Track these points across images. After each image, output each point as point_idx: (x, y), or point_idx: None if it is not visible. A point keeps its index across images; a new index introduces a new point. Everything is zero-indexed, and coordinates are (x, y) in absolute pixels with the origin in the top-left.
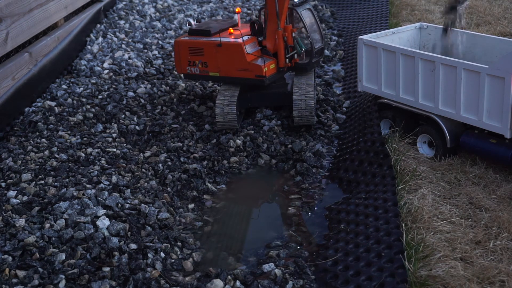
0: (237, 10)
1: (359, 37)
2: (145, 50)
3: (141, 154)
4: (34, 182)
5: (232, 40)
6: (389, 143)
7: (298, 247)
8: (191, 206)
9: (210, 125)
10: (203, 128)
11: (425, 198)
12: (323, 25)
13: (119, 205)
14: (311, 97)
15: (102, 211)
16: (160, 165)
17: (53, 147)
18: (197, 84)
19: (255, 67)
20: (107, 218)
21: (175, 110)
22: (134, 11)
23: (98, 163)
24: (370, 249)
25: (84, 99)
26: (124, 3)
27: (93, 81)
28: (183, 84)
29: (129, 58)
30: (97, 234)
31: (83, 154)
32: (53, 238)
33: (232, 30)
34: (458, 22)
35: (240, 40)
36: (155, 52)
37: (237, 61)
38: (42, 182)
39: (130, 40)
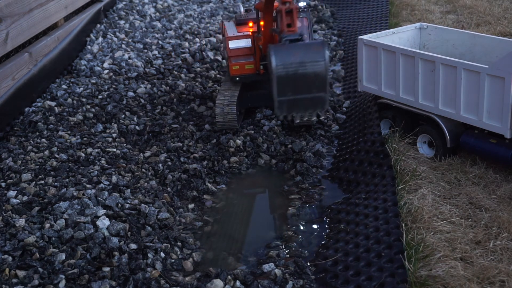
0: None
1: (359, 37)
2: (145, 50)
3: (141, 154)
4: (34, 182)
5: (227, 32)
6: (389, 143)
7: (297, 248)
8: (191, 206)
9: (210, 125)
10: (203, 128)
11: (425, 198)
12: (323, 25)
13: (119, 205)
14: None
15: (102, 211)
16: (160, 165)
17: (53, 147)
18: (197, 84)
19: (229, 63)
20: (107, 218)
21: (175, 110)
22: (134, 11)
23: (98, 163)
24: (370, 249)
25: (84, 99)
26: (124, 3)
27: (93, 81)
28: (183, 84)
29: (129, 58)
30: (97, 234)
31: (83, 154)
32: (53, 238)
33: (251, 24)
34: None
35: (228, 34)
36: (155, 52)
37: (227, 53)
38: (42, 182)
39: (130, 40)
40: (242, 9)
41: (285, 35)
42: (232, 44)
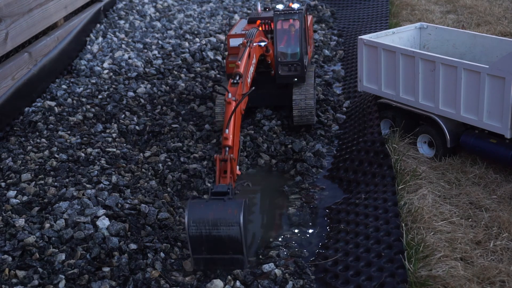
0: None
1: (359, 37)
2: (145, 50)
3: (141, 154)
4: (34, 182)
5: (232, 30)
6: (389, 143)
7: (297, 248)
8: None
9: (210, 125)
10: (203, 128)
11: (425, 198)
12: (323, 25)
13: (119, 205)
14: (311, 96)
15: (102, 211)
16: (160, 165)
17: (53, 147)
18: (197, 84)
19: (226, 60)
20: (107, 218)
21: (175, 110)
22: (134, 11)
23: (98, 163)
24: (370, 249)
25: (84, 99)
26: (124, 3)
27: (93, 81)
28: (183, 84)
29: (129, 58)
30: (97, 234)
31: (83, 154)
32: (53, 238)
33: (258, 22)
34: None
35: (230, 32)
36: (155, 52)
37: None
38: (42, 182)
39: (130, 40)
40: (259, 8)
41: (213, 186)
42: (233, 42)
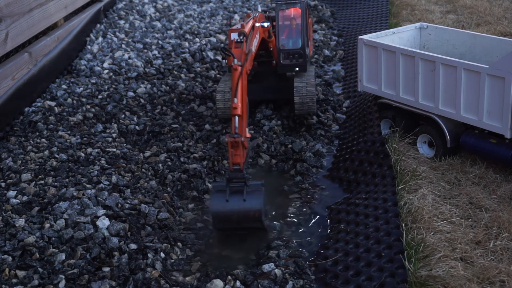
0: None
1: (359, 37)
2: (145, 50)
3: (141, 154)
4: (34, 182)
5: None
6: (389, 143)
7: (297, 248)
8: (191, 206)
9: (210, 125)
10: (203, 128)
11: (425, 198)
12: (323, 25)
13: (119, 205)
14: (312, 84)
15: (102, 211)
16: (160, 165)
17: (53, 147)
18: (197, 84)
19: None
20: (107, 218)
21: (175, 110)
22: (134, 11)
23: (98, 163)
24: (370, 249)
25: (84, 99)
26: (124, 3)
27: (93, 81)
28: (183, 84)
29: (129, 58)
30: (97, 234)
31: (83, 154)
32: (53, 238)
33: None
34: None
35: (234, 26)
36: (155, 52)
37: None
38: (42, 182)
39: (130, 40)
40: (259, 9)
41: (229, 173)
42: (234, 36)
